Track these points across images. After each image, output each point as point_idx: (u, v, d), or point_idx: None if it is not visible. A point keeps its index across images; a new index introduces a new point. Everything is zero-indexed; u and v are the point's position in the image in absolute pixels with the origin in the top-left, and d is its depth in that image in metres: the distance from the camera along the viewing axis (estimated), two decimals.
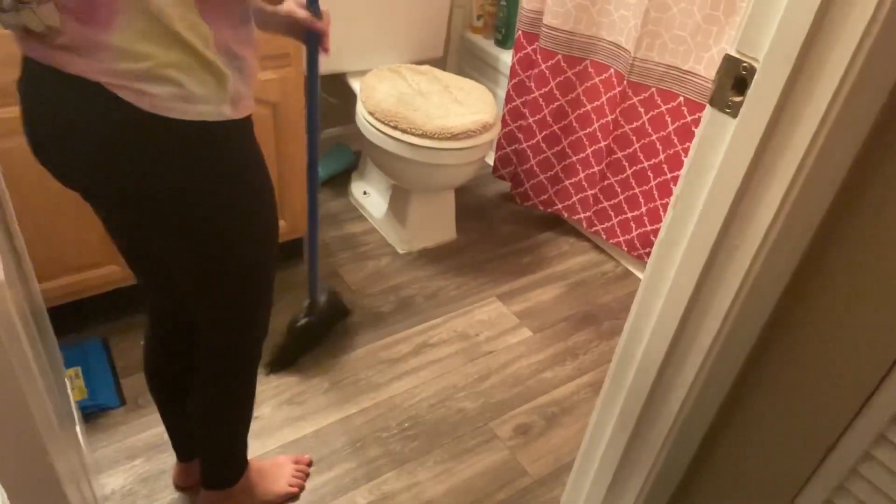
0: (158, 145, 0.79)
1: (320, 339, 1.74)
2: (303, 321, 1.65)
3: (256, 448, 1.47)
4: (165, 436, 1.46)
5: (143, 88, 0.75)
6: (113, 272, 1.58)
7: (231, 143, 0.86)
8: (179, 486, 1.38)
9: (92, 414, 1.48)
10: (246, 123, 0.88)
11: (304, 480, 1.43)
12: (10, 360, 0.53)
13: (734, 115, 0.68)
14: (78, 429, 1.25)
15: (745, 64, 0.65)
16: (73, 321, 1.66)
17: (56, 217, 1.43)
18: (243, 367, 1.13)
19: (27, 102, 0.81)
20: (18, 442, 0.57)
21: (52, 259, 1.48)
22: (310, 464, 1.46)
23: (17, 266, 0.97)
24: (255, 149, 0.92)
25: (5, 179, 1.22)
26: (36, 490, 0.61)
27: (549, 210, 2.24)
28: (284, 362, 1.66)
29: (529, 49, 2.07)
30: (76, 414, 1.31)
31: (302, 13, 1.16)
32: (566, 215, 2.21)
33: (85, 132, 0.78)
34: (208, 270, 0.93)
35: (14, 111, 1.28)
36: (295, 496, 1.40)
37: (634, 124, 1.91)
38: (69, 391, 1.30)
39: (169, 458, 1.42)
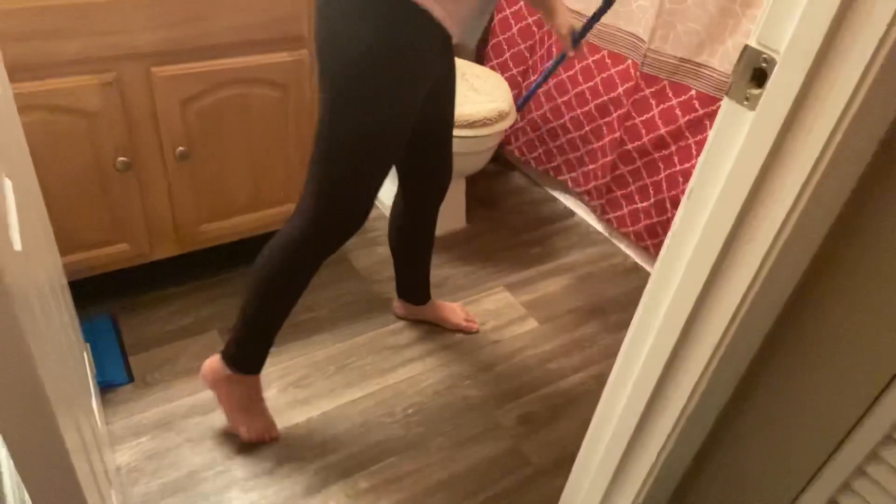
0: None
1: None
2: None
3: None
4: (172, 413, 1.48)
5: None
6: (123, 250, 1.58)
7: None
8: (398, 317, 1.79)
9: (100, 390, 1.50)
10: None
11: None
12: (20, 329, 0.53)
13: (752, 107, 0.67)
14: (94, 401, 1.26)
15: (765, 56, 0.64)
16: (83, 298, 1.67)
17: (68, 194, 1.44)
18: (301, 245, 1.20)
19: None
20: (28, 411, 0.57)
21: (63, 236, 1.48)
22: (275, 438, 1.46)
23: (42, 238, 0.98)
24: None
25: None
26: (44, 459, 0.62)
27: (578, 189, 2.23)
28: None
29: (508, 11, 2.24)
30: (92, 386, 1.32)
31: (564, 31, 1.39)
32: (586, 199, 2.21)
33: None
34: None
35: (34, 86, 1.28)
36: None
37: (644, 116, 1.90)
38: (86, 363, 1.31)
39: (175, 436, 1.43)
